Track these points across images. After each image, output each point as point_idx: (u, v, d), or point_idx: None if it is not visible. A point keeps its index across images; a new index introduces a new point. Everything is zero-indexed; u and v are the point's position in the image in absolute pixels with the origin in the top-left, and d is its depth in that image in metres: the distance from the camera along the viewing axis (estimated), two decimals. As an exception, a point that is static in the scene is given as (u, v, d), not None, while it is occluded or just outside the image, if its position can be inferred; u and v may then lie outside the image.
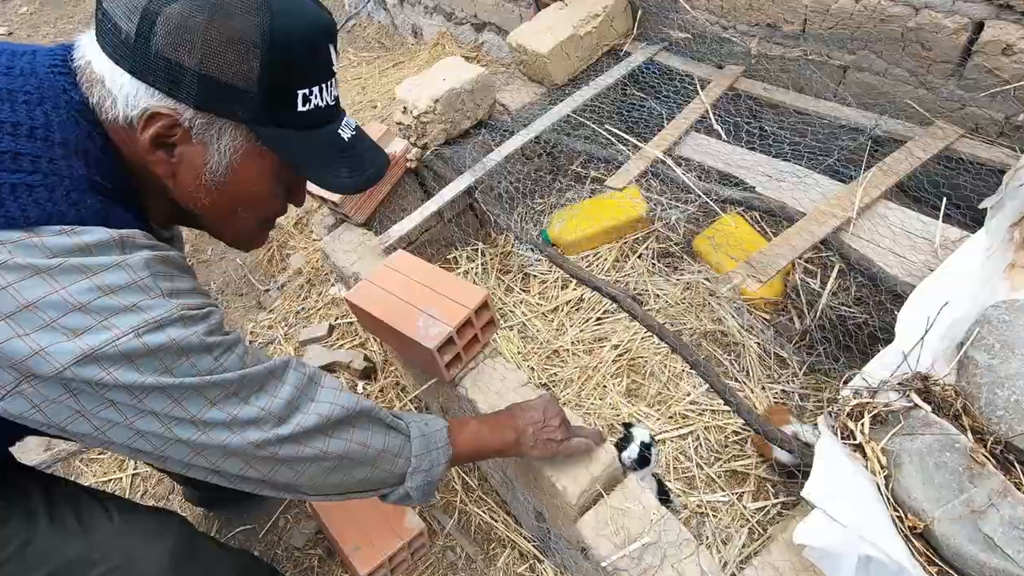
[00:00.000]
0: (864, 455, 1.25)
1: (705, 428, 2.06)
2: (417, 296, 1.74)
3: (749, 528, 1.84)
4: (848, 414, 1.30)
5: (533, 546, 1.89)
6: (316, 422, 1.01)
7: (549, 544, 1.76)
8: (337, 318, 2.81)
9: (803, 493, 1.20)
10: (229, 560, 1.37)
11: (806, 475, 1.21)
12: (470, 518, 2.05)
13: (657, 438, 2.06)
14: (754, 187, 1.81)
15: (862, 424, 1.26)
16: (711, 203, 1.78)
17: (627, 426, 1.74)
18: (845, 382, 1.35)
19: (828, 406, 1.33)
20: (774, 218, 1.77)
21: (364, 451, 1.09)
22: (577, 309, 2.48)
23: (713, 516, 1.87)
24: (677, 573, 1.26)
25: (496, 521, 1.99)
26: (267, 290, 3.11)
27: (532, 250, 1.93)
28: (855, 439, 1.26)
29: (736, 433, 2.04)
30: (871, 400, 1.29)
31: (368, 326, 1.90)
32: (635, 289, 2.48)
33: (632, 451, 1.60)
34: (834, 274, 1.61)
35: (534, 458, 1.38)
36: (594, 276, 1.93)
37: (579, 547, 1.42)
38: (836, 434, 1.29)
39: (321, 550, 2.04)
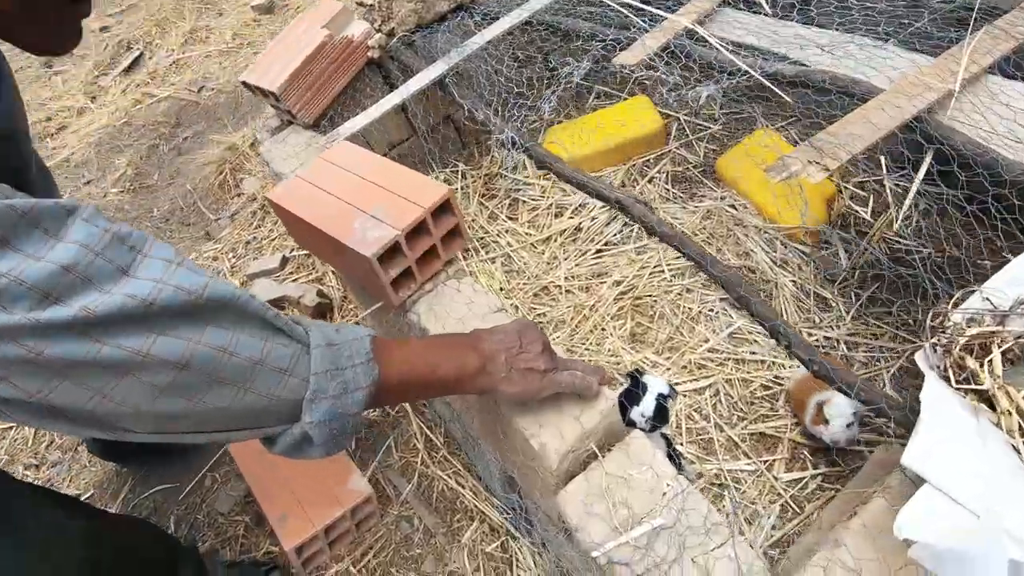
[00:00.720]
0: (993, 407, 0.82)
1: (727, 381, 1.64)
2: (360, 195, 1.30)
3: (781, 504, 1.43)
4: (965, 348, 0.87)
5: (506, 519, 1.49)
6: (121, 307, 0.58)
7: (519, 521, 1.36)
8: (293, 249, 2.38)
9: (904, 461, 0.78)
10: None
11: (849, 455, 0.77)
12: (432, 483, 1.64)
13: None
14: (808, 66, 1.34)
15: (989, 362, 0.84)
16: (754, 74, 1.31)
17: (635, 375, 1.32)
18: (955, 304, 0.92)
19: (930, 335, 0.90)
20: (831, 114, 1.33)
21: (223, 360, 0.66)
22: (573, 240, 2.04)
23: (736, 488, 1.47)
24: (703, 572, 0.85)
25: (463, 487, 1.59)
26: (217, 219, 2.66)
27: (513, 145, 1.47)
28: (977, 382, 0.84)
29: (765, 388, 1.62)
30: (1000, 328, 0.86)
31: (300, 236, 1.46)
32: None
33: (647, 406, 1.18)
34: (925, 165, 1.16)
35: (508, 397, 0.96)
36: (595, 178, 1.48)
37: (561, 527, 1.02)
38: (947, 375, 0.87)
39: (249, 517, 1.65)
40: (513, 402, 1.02)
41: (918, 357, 0.90)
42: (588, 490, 0.97)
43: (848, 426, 1.36)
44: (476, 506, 1.55)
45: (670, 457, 1.38)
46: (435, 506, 1.61)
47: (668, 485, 0.95)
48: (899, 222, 1.42)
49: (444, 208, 1.29)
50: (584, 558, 0.93)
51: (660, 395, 1.23)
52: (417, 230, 1.24)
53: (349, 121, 1.72)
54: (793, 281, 1.79)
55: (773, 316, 1.14)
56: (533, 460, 1.05)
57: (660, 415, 1.17)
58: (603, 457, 1.01)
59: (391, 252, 1.22)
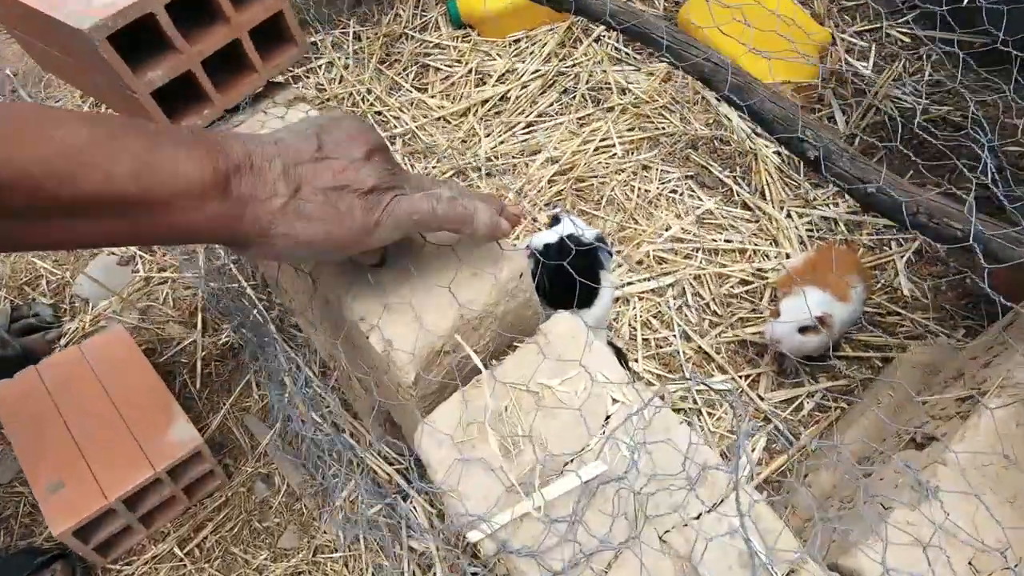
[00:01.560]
0: None
1: (695, 278, 1.22)
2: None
3: (768, 434, 1.05)
4: None
5: (398, 471, 1.05)
6: None
7: (412, 475, 0.93)
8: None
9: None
10: None
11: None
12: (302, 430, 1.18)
13: (619, 293, 1.22)
14: None
15: None
16: None
17: (557, 217, 0.89)
18: None
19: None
20: None
21: None
22: (497, 112, 1.55)
23: (708, 415, 1.07)
24: (679, 559, 0.43)
25: (342, 431, 1.14)
26: None
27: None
28: None
29: (745, 283, 1.21)
30: None
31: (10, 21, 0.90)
32: (589, 83, 1.55)
33: (547, 235, 0.76)
34: None
35: (300, 246, 0.48)
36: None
37: (428, 485, 0.57)
38: None
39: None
40: (316, 257, 0.54)
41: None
42: (467, 418, 0.52)
43: (802, 331, 0.98)
44: (358, 456, 1.10)
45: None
46: (304, 459, 1.16)
47: (615, 402, 0.52)
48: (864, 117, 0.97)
49: (252, -21, 0.77)
50: (457, 545, 0.50)
51: (571, 237, 0.81)
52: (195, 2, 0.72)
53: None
54: (778, 152, 1.37)
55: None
56: (386, 373, 0.59)
57: (561, 251, 0.73)
58: (500, 361, 0.57)
59: (145, 45, 0.70)
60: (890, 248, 1.22)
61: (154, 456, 1.02)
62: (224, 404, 1.25)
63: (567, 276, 0.69)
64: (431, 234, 0.60)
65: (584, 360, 0.54)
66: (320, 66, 1.69)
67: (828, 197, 1.29)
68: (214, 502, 1.11)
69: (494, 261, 0.59)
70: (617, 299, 1.21)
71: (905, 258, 1.19)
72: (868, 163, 0.87)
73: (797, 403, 1.07)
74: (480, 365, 0.56)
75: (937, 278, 1.18)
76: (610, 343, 1.00)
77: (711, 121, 1.44)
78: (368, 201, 0.49)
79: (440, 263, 0.59)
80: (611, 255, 0.88)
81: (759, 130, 1.40)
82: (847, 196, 1.28)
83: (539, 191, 1.37)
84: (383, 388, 0.65)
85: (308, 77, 1.67)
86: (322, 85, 1.64)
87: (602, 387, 0.53)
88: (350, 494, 1.06)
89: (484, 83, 1.60)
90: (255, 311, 1.32)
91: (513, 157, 1.44)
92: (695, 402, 1.08)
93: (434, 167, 1.44)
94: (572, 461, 0.49)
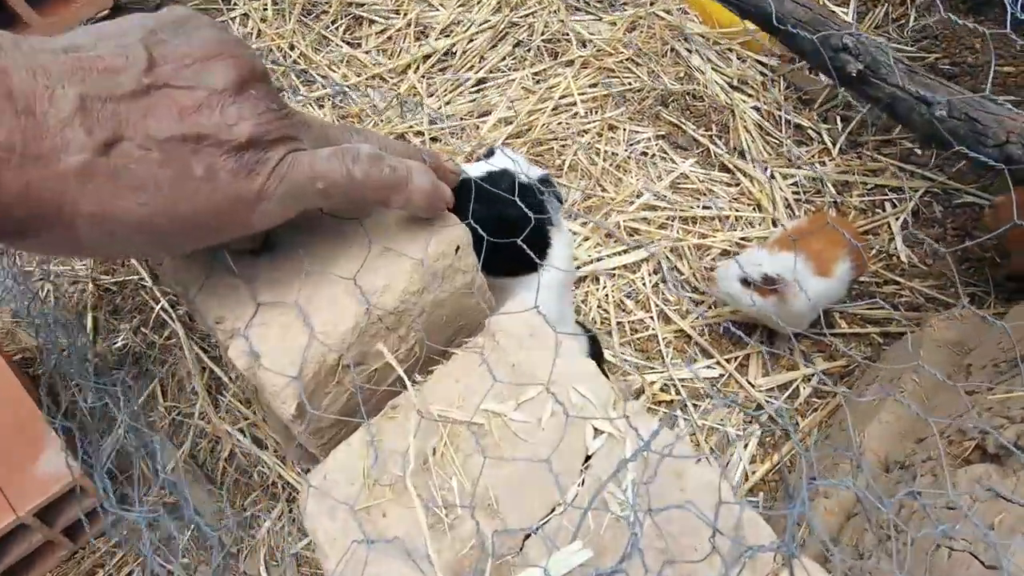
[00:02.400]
0: None
1: (672, 251, 1.06)
2: None
3: (762, 425, 0.90)
4: None
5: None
6: None
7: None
8: None
9: None
10: None
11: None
12: (216, 447, 0.98)
13: (587, 270, 1.05)
14: None
15: None
16: None
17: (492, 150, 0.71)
18: None
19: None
20: None
21: None
22: (442, 69, 1.34)
23: (694, 407, 0.92)
24: None
25: (264, 447, 0.94)
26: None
27: None
28: None
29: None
30: None
31: None
32: (545, 34, 1.35)
33: (472, 168, 0.58)
34: None
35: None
36: None
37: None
38: None
39: None
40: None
41: None
42: (377, 470, 0.34)
43: (744, 284, 0.87)
44: (284, 479, 0.91)
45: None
46: (220, 483, 0.95)
47: (597, 434, 0.34)
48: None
49: None
50: None
51: (546, 180, 0.63)
52: None
53: None
54: (757, 107, 1.21)
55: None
56: (264, 395, 0.40)
57: (534, 229, 0.55)
58: (427, 376, 0.38)
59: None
60: (884, 210, 1.08)
61: (17, 496, 0.80)
62: (120, 422, 1.03)
63: (497, 228, 0.48)
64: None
65: (551, 372, 0.36)
66: (234, 18, 1.43)
67: (814, 156, 1.14)
68: (106, 543, 0.90)
69: (416, 231, 0.40)
70: (584, 278, 1.03)
71: (900, 220, 1.06)
72: (933, 78, 0.70)
73: (792, 388, 0.93)
74: (406, 380, 0.37)
75: (935, 240, 1.05)
76: (586, 330, 0.83)
77: (682, 75, 1.27)
78: (243, 161, 0.30)
79: (338, 239, 0.40)
80: (561, 202, 0.69)
81: (736, 83, 1.25)
82: (832, 153, 1.14)
83: (492, 157, 1.18)
84: (271, 414, 0.46)
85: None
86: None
87: (579, 412, 0.35)
88: (273, 525, 0.87)
89: (425, 36, 1.38)
90: (159, 307, 1.09)
91: (461, 119, 1.24)
92: (678, 392, 0.93)
93: (372, 126, 1.23)
94: (537, 532, 0.31)
